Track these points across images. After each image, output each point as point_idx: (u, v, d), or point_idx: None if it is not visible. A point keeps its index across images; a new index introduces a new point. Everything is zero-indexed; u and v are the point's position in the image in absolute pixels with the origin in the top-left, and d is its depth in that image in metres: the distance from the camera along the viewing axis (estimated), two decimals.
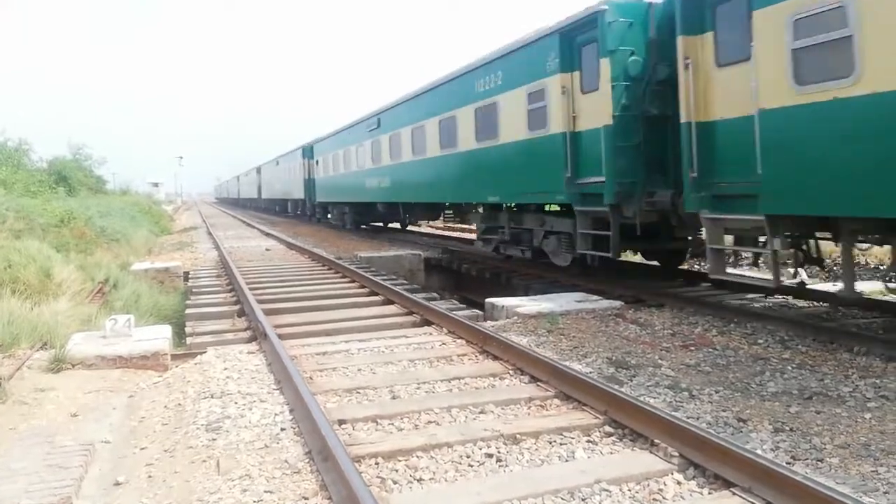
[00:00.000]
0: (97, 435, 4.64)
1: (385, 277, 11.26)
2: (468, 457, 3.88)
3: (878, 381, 5.19)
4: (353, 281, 10.85)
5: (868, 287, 8.65)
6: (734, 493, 3.29)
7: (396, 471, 3.72)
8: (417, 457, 3.88)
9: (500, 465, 3.78)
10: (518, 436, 4.13)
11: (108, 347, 6.45)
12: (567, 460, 3.83)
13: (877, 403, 4.74)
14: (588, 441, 4.09)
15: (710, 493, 3.37)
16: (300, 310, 8.61)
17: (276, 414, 4.68)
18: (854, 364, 5.69)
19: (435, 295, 10.26)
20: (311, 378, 5.44)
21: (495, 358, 5.93)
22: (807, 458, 3.86)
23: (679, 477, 3.55)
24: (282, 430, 4.38)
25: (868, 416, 4.49)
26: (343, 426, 4.36)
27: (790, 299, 8.49)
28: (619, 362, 5.95)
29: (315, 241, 19.98)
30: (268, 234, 23.46)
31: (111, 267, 12.67)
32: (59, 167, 34.14)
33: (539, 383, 5.16)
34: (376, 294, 9.53)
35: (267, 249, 17.55)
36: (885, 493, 3.42)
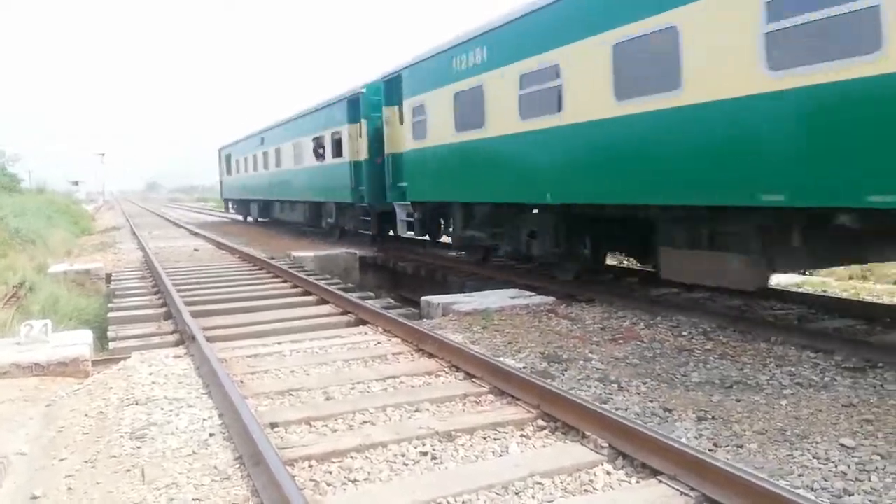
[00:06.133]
0: (12, 447, 4.39)
1: (319, 277, 11.12)
2: (403, 456, 3.87)
3: (793, 370, 5.47)
4: (286, 281, 10.65)
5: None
6: (660, 481, 3.40)
7: (330, 473, 3.67)
8: (352, 458, 3.84)
9: (434, 463, 3.79)
10: (453, 433, 4.14)
11: (23, 355, 6.10)
12: (501, 455, 3.87)
13: (792, 390, 5.00)
14: (522, 435, 4.15)
15: (637, 482, 3.47)
16: (231, 311, 8.39)
17: (204, 419, 4.54)
18: (771, 353, 5.98)
19: (370, 294, 10.18)
20: (241, 381, 5.30)
21: (431, 356, 5.93)
22: (728, 445, 4.03)
23: (609, 467, 3.64)
24: (210, 435, 4.25)
25: (784, 402, 4.73)
26: (275, 429, 4.28)
27: (714, 293, 8.83)
28: (552, 357, 6.06)
29: (246, 240, 19.52)
30: (196, 234, 22.76)
31: (26, 270, 12.03)
32: None
33: (474, 380, 5.19)
34: (310, 294, 9.39)
35: (195, 250, 17.01)
36: (800, 475, 3.61)
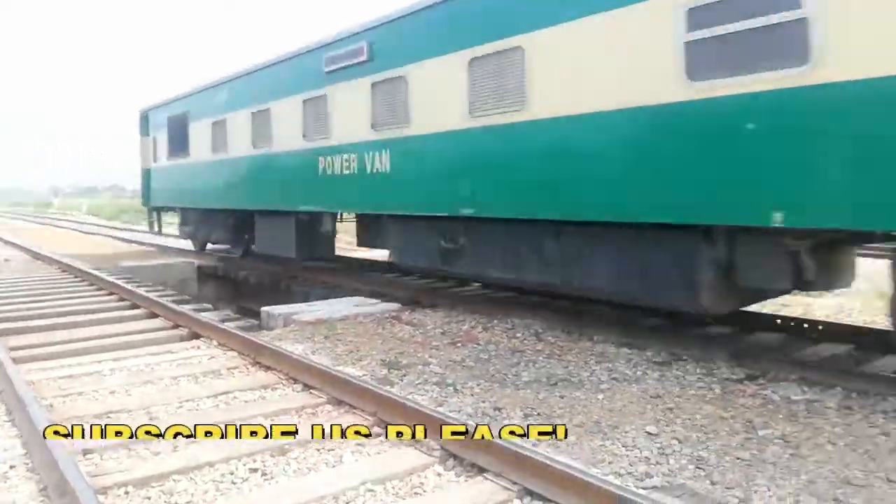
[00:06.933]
0: None
1: (150, 289, 10.42)
2: (232, 474, 3.73)
3: (611, 366, 5.94)
4: (112, 293, 9.86)
5: None
6: (486, 478, 3.56)
7: (149, 498, 3.46)
8: (174, 480, 3.64)
9: (265, 479, 3.69)
10: (286, 447, 4.06)
11: None
12: (334, 466, 3.85)
13: (608, 385, 5.43)
14: (357, 444, 4.15)
15: (465, 481, 3.61)
16: (44, 328, 7.62)
17: (4, 450, 4.09)
18: (593, 351, 6.46)
19: (207, 306, 9.71)
20: (51, 405, 4.84)
21: (268, 368, 5.78)
22: (549, 439, 4.29)
23: (439, 469, 3.75)
24: (11, 467, 3.84)
25: (601, 396, 5.13)
26: (88, 456, 3.95)
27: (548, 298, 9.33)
28: (392, 363, 6.12)
29: (68, 250, 17.80)
30: (9, 243, 20.43)
31: None
32: None
33: (312, 391, 5.13)
34: (138, 307, 8.77)
35: (6, 259, 15.27)
36: (610, 462, 3.93)
